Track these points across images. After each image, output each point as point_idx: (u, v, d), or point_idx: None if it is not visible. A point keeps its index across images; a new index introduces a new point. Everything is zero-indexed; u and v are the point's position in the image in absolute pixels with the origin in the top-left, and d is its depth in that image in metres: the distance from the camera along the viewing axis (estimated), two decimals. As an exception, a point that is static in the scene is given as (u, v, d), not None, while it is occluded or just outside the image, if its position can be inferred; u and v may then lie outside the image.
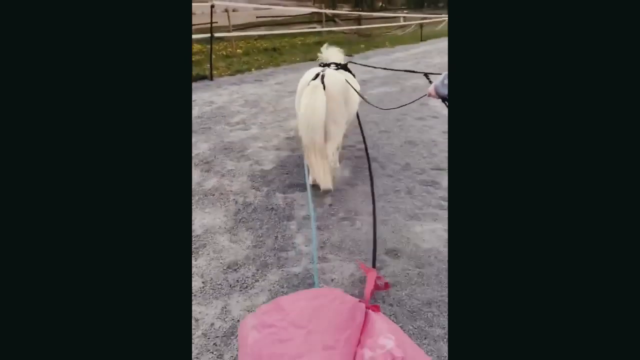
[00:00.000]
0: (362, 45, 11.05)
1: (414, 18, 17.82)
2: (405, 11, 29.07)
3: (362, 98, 2.78)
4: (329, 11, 15.83)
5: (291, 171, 2.98)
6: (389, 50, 10.94)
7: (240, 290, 1.75)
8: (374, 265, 1.70)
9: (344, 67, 2.82)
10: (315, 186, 2.51)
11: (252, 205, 2.49)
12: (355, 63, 3.31)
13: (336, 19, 16.77)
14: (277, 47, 10.64)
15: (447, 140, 3.61)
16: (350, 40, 12.66)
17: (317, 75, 2.37)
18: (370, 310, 1.16)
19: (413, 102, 2.61)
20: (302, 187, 2.71)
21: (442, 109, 4.55)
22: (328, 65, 2.73)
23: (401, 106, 2.84)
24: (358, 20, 16.56)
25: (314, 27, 14.80)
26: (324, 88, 2.29)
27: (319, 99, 2.27)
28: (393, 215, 2.34)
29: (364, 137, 2.62)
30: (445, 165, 3.01)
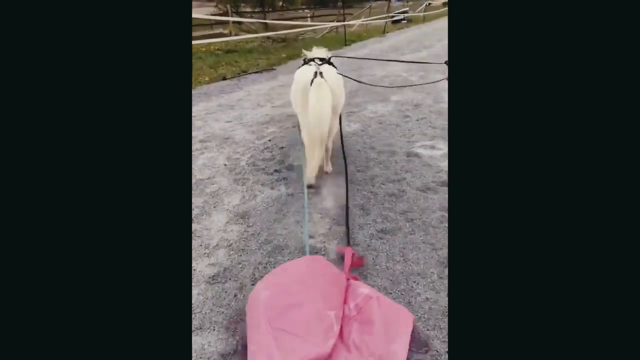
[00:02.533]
0: (284, 55, 9.28)
1: (325, 18, 16.60)
2: (307, 11, 27.96)
3: (359, 82, 3.26)
4: (239, 19, 13.89)
5: None
6: (314, 58, 9.34)
7: None
8: (348, 244, 1.94)
9: (327, 61, 2.79)
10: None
11: None
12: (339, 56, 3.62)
13: (242, 22, 14.87)
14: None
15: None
16: (266, 47, 10.81)
17: (316, 73, 2.46)
18: (351, 280, 1.49)
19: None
20: None
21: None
22: (312, 60, 2.73)
23: (401, 86, 4.33)
24: (266, 23, 14.84)
25: (220, 33, 12.71)
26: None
27: (326, 95, 2.40)
28: None
29: (340, 128, 2.98)
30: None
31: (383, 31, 14.78)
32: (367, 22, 16.38)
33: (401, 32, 15.78)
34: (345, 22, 12.59)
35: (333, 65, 2.86)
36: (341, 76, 2.79)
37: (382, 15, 17.04)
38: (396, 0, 35.60)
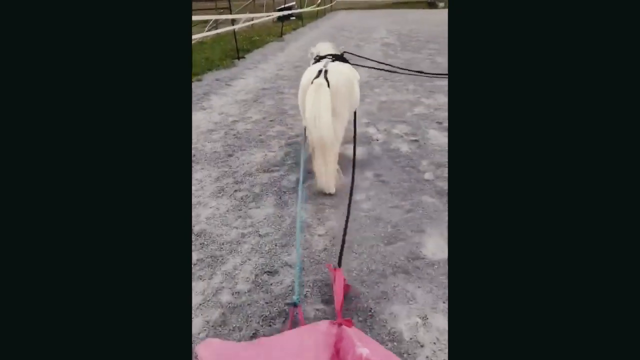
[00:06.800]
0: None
1: (199, 13, 12.28)
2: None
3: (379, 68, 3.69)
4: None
5: None
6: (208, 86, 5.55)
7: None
8: (339, 264, 1.63)
9: (339, 57, 2.68)
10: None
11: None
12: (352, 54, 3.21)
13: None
14: None
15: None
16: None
17: (320, 71, 2.28)
18: (344, 326, 1.14)
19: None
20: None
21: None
22: (323, 57, 2.64)
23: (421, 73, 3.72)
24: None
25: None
26: (329, 85, 2.22)
27: (324, 97, 2.21)
28: None
29: (355, 131, 2.64)
30: None
31: (280, 34, 11.41)
32: (258, 19, 12.79)
33: (298, 33, 12.69)
34: (233, 16, 8.79)
35: (346, 61, 2.72)
36: (353, 74, 2.58)
37: (273, 13, 13.61)
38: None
